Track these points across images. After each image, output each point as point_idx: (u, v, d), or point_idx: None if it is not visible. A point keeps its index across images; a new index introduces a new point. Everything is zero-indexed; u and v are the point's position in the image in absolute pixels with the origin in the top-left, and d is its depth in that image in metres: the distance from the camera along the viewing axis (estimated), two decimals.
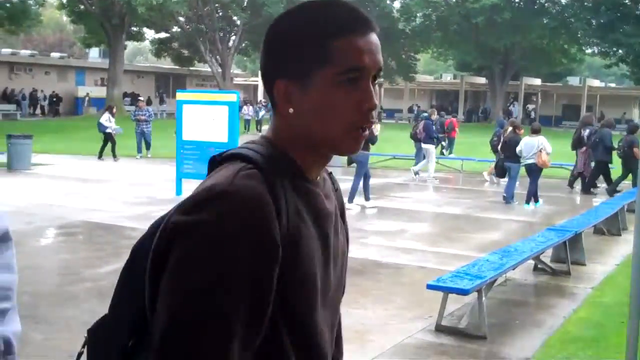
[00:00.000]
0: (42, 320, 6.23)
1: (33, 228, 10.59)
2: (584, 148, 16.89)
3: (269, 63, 1.36)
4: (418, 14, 56.76)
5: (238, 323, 1.18)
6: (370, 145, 13.63)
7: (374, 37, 1.32)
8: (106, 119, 21.02)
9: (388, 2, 58.29)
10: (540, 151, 13.72)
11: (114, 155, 21.14)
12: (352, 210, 12.74)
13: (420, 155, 19.93)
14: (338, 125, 1.30)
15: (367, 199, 13.72)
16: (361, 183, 13.47)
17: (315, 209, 1.35)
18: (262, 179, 1.24)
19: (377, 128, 19.81)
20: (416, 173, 19.05)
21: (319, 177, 1.41)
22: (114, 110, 22.45)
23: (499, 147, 16.01)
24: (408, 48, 59.26)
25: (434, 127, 19.66)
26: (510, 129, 15.34)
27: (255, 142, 1.37)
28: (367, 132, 1.33)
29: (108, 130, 21.00)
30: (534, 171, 14.11)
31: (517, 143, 14.27)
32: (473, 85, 65.23)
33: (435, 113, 22.17)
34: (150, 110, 23.53)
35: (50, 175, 16.96)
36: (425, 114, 21.52)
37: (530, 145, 13.98)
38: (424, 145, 19.25)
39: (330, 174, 1.51)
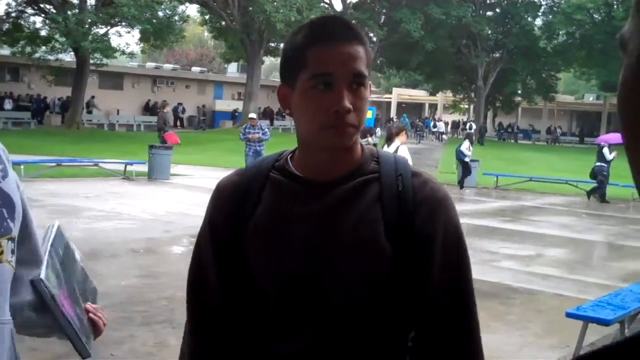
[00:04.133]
0: (178, 325, 6.36)
1: (170, 236, 10.93)
2: None
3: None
4: (561, 32, 55.16)
5: None
6: None
7: (345, 47, 1.47)
8: (466, 147, 20.68)
9: (529, 19, 57.02)
10: None
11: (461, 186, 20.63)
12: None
13: None
14: (312, 124, 1.49)
15: None
16: None
17: (278, 199, 1.58)
18: (239, 174, 1.67)
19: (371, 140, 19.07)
20: None
21: (327, 176, 1.55)
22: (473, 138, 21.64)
23: None
24: (549, 67, 57.64)
25: None
26: None
27: None
28: (348, 129, 1.47)
29: (467, 159, 20.67)
30: None
31: None
32: None
33: None
34: (264, 127, 18.77)
35: (187, 186, 17.53)
36: None
37: None
38: None
39: (399, 176, 1.56)
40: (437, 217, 1.53)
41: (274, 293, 1.56)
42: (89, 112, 43.39)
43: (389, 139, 9.95)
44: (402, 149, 9.69)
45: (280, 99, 1.58)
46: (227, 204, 1.61)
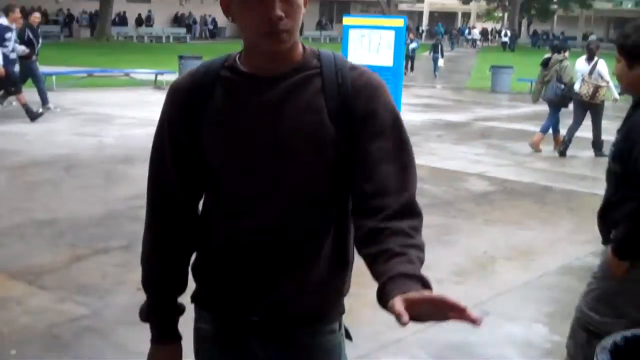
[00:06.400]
0: None
1: None
2: None
3: None
4: None
5: None
6: None
7: None
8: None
9: None
10: None
11: None
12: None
13: None
14: (250, 31, 1.61)
15: None
16: None
17: (230, 93, 1.69)
18: (191, 74, 1.76)
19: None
20: None
21: (268, 70, 1.66)
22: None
23: None
24: None
25: None
26: None
27: None
28: (282, 35, 1.59)
29: None
30: None
31: None
32: None
33: None
34: None
35: None
36: None
37: None
38: None
39: (338, 70, 1.69)
40: (376, 99, 1.67)
41: (232, 177, 1.70)
42: (149, 26, 44.65)
43: (590, 57, 10.80)
44: (600, 62, 10.63)
45: (222, 7, 1.67)
46: (182, 101, 1.72)
